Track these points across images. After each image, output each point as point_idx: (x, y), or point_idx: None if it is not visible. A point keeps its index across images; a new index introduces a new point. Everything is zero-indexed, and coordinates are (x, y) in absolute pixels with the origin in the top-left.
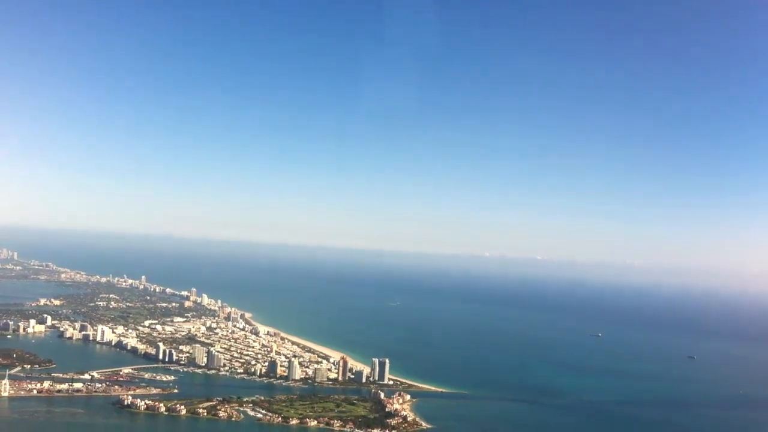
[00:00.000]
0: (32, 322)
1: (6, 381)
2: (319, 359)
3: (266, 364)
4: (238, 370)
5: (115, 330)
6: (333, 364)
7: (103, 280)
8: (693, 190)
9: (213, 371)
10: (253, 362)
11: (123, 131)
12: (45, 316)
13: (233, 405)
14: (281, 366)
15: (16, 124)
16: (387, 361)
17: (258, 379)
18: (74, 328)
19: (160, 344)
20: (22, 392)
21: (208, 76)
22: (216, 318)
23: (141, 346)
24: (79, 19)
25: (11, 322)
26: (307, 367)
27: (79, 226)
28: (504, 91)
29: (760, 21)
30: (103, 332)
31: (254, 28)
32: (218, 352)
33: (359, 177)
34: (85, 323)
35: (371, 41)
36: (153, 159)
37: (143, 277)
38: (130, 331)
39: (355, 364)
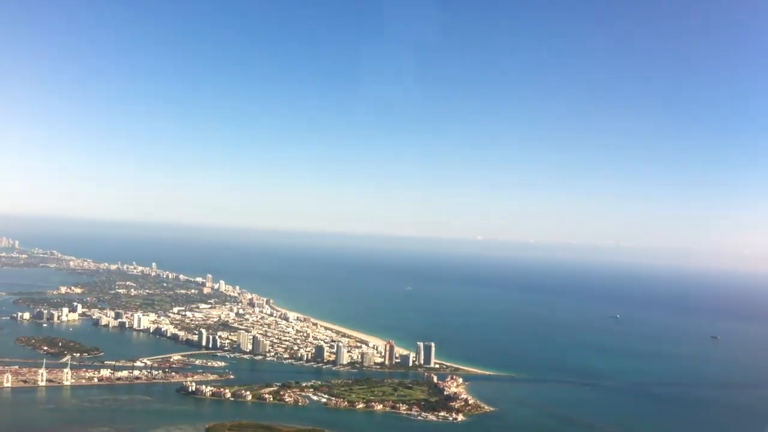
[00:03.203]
0: (65, 310)
1: (68, 370)
2: (358, 344)
3: (311, 349)
4: (284, 356)
5: (148, 317)
6: (374, 348)
7: (113, 267)
8: (685, 173)
9: (259, 357)
10: (296, 347)
11: (121, 119)
12: (75, 304)
13: (294, 390)
14: (328, 351)
15: (11, 112)
16: (432, 345)
17: (306, 364)
18: (107, 316)
19: (203, 331)
20: (83, 381)
21: (214, 65)
22: (239, 304)
23: (181, 333)
24: (80, 9)
25: (45, 311)
26: (350, 352)
27: (69, 214)
28: (500, 79)
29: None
30: (139, 320)
31: (258, 19)
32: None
33: (357, 163)
34: (120, 311)
35: (373, 33)
36: (150, 146)
37: (154, 264)
38: (162, 318)
39: (398, 349)
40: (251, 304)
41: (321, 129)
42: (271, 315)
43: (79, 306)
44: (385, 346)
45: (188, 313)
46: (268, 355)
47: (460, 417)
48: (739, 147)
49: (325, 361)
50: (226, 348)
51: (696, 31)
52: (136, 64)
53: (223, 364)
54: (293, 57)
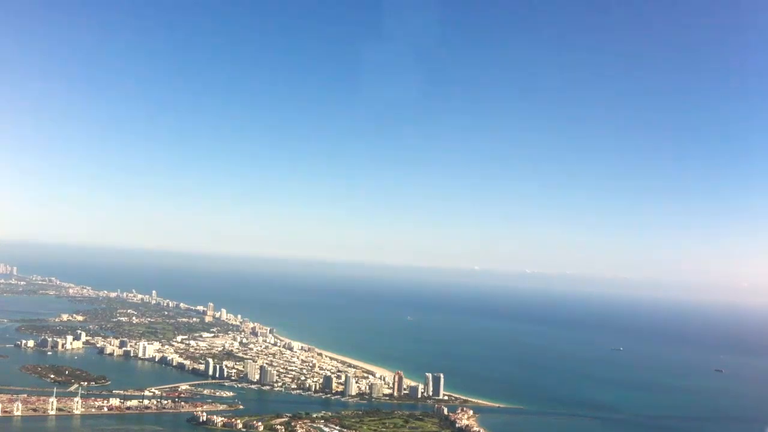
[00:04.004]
0: (69, 338)
1: (78, 399)
2: (365, 374)
3: (319, 379)
4: (292, 386)
5: (153, 346)
6: (380, 379)
7: (113, 294)
8: (682, 205)
9: (267, 387)
10: (302, 377)
11: (118, 145)
12: (79, 331)
13: (305, 421)
14: (336, 381)
15: (8, 138)
16: (441, 376)
17: (314, 395)
18: (111, 344)
19: (210, 360)
20: (93, 410)
21: (209, 86)
22: (241, 333)
23: (186, 362)
24: (82, 32)
25: (49, 339)
26: (357, 382)
27: (67, 240)
28: (497, 98)
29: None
30: (144, 348)
31: (251, 30)
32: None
33: (356, 192)
34: (124, 339)
35: (369, 41)
36: (145, 173)
37: (154, 291)
38: (166, 346)
39: (406, 380)
40: (254, 333)
41: (320, 157)
42: (275, 344)
43: (83, 334)
44: (394, 376)
45: (192, 342)
46: (275, 385)
47: None
48: (737, 178)
49: (333, 391)
50: (233, 378)
51: (689, 61)
52: (132, 88)
53: (231, 394)
54: (291, 64)
